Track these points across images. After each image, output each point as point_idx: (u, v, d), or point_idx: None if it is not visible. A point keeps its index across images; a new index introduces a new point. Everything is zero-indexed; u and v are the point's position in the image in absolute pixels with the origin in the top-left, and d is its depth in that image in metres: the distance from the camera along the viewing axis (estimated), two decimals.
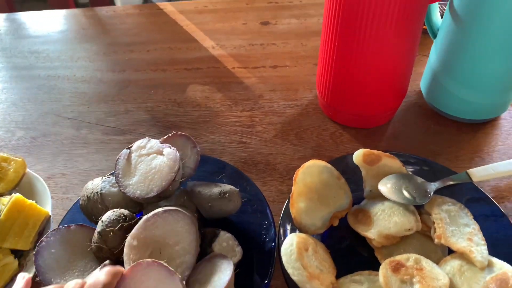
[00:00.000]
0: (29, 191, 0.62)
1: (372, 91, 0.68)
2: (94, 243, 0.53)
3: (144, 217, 0.51)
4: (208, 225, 0.57)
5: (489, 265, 0.50)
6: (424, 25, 0.70)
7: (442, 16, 0.71)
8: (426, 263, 0.51)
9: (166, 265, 0.46)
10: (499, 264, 0.50)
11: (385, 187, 0.58)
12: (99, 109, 0.84)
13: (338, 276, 0.53)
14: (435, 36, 0.71)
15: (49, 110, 0.85)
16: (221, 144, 0.74)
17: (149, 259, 0.46)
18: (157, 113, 0.82)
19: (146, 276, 0.46)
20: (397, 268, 0.51)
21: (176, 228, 0.51)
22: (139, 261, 0.46)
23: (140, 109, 0.83)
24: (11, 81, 0.94)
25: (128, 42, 1.02)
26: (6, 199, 0.60)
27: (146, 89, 0.87)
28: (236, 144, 0.74)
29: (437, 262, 0.52)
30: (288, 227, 0.57)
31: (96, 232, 0.53)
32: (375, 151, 0.61)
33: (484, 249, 0.52)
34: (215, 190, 0.58)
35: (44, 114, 0.84)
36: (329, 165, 0.61)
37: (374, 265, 0.54)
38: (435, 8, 0.71)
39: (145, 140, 0.60)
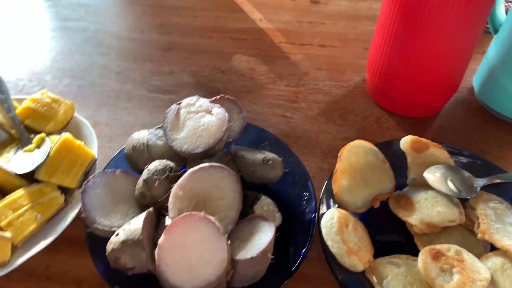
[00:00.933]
0: (76, 134, 0.63)
1: (425, 81, 0.67)
2: (138, 190, 0.54)
3: (191, 170, 0.52)
4: (249, 190, 0.57)
5: None
6: None
7: (506, 12, 0.69)
8: (468, 256, 0.50)
9: (218, 224, 0.47)
10: None
11: (432, 175, 0.57)
12: (144, 68, 0.84)
13: (375, 257, 0.53)
14: (496, 31, 0.70)
15: (96, 62, 0.86)
16: (263, 116, 0.74)
17: (201, 214, 0.47)
18: (201, 78, 0.82)
19: (196, 228, 0.46)
20: (437, 256, 0.50)
21: (221, 183, 0.52)
22: (193, 212, 0.47)
23: (184, 72, 0.83)
24: (60, 31, 0.95)
25: (176, 6, 1.02)
26: (55, 138, 0.61)
27: (191, 54, 0.87)
28: (278, 117, 0.74)
29: (478, 257, 0.51)
30: (328, 203, 0.57)
31: (141, 179, 0.54)
32: (424, 139, 0.60)
33: None
34: (259, 156, 0.58)
35: (91, 65, 0.85)
36: (375, 148, 0.61)
37: (411, 252, 0.53)
38: (501, 3, 0.69)
39: (194, 98, 0.60)
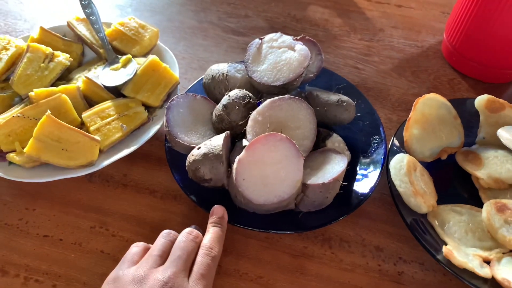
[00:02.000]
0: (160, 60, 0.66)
1: (504, 45, 0.66)
2: (216, 114, 0.57)
3: (271, 99, 0.54)
4: None
5: None
6: None
7: None
8: None
9: (297, 146, 0.49)
10: None
11: (507, 134, 0.57)
12: (221, 9, 0.87)
13: (438, 204, 0.54)
14: None
15: (175, 0, 0.89)
16: (335, 65, 0.75)
17: (284, 135, 0.49)
18: (275, 24, 0.83)
19: (276, 147, 0.49)
20: (502, 209, 0.51)
21: (298, 114, 0.54)
22: (274, 132, 0.49)
23: (259, 17, 0.85)
24: None
25: None
26: (140, 60, 0.65)
27: (268, 0, 0.89)
28: (350, 67, 0.75)
29: None
30: (397, 149, 0.58)
31: (221, 104, 0.57)
32: (500, 100, 0.60)
33: None
34: (333, 97, 0.59)
35: (171, 2, 0.88)
36: (448, 103, 0.61)
37: (474, 204, 0.54)
38: None
39: (278, 34, 0.62)
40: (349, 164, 0.56)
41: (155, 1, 0.88)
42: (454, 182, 0.59)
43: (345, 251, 0.52)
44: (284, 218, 0.51)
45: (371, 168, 0.56)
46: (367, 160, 0.57)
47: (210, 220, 0.49)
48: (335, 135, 0.57)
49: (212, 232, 0.48)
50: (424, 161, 0.58)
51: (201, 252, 0.45)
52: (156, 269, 0.43)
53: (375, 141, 0.59)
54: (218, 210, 0.50)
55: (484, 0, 0.64)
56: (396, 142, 0.59)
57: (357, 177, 0.56)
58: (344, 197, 0.53)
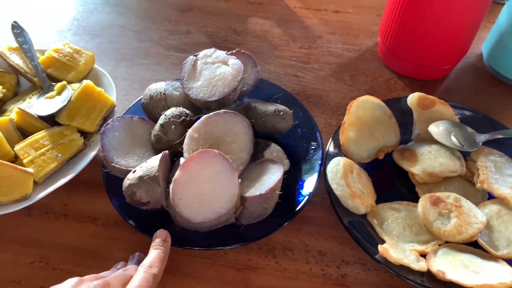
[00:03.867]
0: (96, 84, 0.65)
1: (435, 43, 0.68)
2: (154, 134, 0.57)
3: (206, 115, 0.55)
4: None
5: None
6: None
7: None
8: (465, 203, 0.53)
9: (230, 161, 0.50)
10: None
11: (436, 128, 0.59)
12: (162, 27, 0.87)
13: (377, 203, 0.55)
14: None
15: (115, 21, 0.88)
16: (276, 75, 0.76)
17: (216, 151, 0.50)
18: (216, 38, 0.84)
19: (210, 164, 0.49)
20: (436, 202, 0.53)
21: (234, 128, 0.54)
22: (207, 149, 0.50)
23: (201, 32, 0.85)
24: None
25: None
26: (76, 86, 0.64)
27: (208, 15, 0.89)
28: (290, 76, 0.76)
29: (476, 205, 0.54)
30: (335, 153, 0.59)
31: (158, 124, 0.57)
32: (430, 96, 0.62)
33: None
34: (271, 107, 0.60)
35: (110, 24, 0.87)
36: (382, 103, 0.63)
37: (412, 200, 0.56)
38: None
39: (211, 50, 0.62)
40: (289, 172, 0.57)
41: (94, 24, 0.88)
42: (393, 180, 0.60)
43: (289, 259, 0.52)
44: (226, 233, 0.51)
45: (310, 174, 0.57)
46: (306, 166, 0.58)
47: (152, 244, 0.49)
48: (273, 145, 0.58)
49: (152, 253, 0.47)
50: (362, 162, 0.59)
51: (140, 269, 0.45)
52: None
53: (313, 147, 0.60)
54: (160, 234, 0.49)
55: (410, 0, 0.66)
56: (333, 146, 0.60)
57: (297, 184, 0.57)
58: (284, 205, 0.53)
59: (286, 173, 0.56)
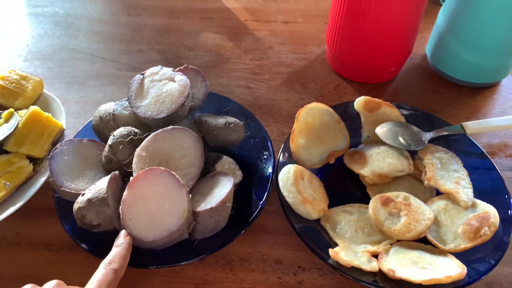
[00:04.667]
0: (45, 109, 0.64)
1: (377, 46, 0.70)
2: (104, 156, 0.57)
3: (153, 133, 0.55)
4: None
5: (473, 206, 0.54)
6: None
7: None
8: (414, 200, 0.54)
9: (178, 177, 0.50)
10: (483, 205, 0.53)
11: (382, 130, 0.61)
12: (114, 47, 0.86)
13: (330, 207, 0.56)
14: (444, 0, 0.74)
15: (65, 45, 0.87)
16: (229, 87, 0.77)
17: (162, 168, 0.50)
18: (169, 55, 0.84)
19: (157, 181, 0.49)
20: (386, 202, 0.54)
21: (182, 143, 0.55)
22: (154, 167, 0.50)
23: (152, 50, 0.86)
24: (30, 16, 0.96)
25: None
26: (23, 112, 0.63)
27: (160, 33, 0.90)
28: (243, 88, 0.77)
29: (425, 202, 0.55)
30: (286, 161, 0.60)
31: (107, 145, 0.56)
32: (376, 99, 0.64)
33: (469, 191, 0.55)
34: (221, 120, 0.61)
35: (61, 48, 0.87)
36: (330, 109, 0.64)
37: (365, 201, 0.57)
38: None
39: (158, 67, 0.62)
40: (242, 182, 0.57)
41: (44, 49, 0.87)
42: (345, 183, 0.62)
43: (246, 270, 0.53)
44: (181, 249, 0.51)
45: (263, 183, 0.57)
46: (260, 176, 0.59)
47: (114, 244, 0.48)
48: (225, 157, 0.58)
49: (112, 251, 0.47)
50: (314, 167, 0.60)
51: (100, 266, 0.45)
52: None
53: (265, 156, 0.60)
54: (120, 234, 0.49)
55: (349, 7, 0.68)
56: (284, 154, 0.60)
57: (251, 194, 0.57)
58: (239, 216, 0.54)
59: (239, 184, 0.56)
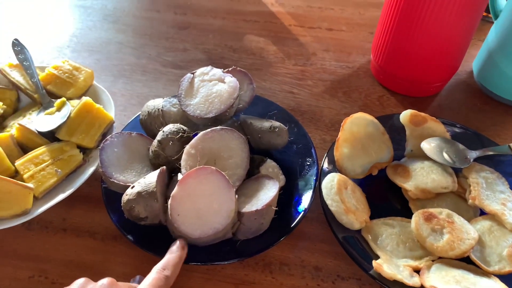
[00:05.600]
0: (95, 101, 0.66)
1: (425, 60, 0.70)
2: (152, 151, 0.58)
3: (203, 132, 0.56)
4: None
5: None
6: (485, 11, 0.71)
7: None
8: (458, 219, 0.54)
9: (227, 177, 0.51)
10: None
11: (428, 145, 0.61)
12: (159, 44, 0.88)
13: (371, 219, 0.57)
14: (496, 17, 0.73)
15: (113, 38, 0.90)
16: (271, 91, 0.78)
17: (213, 168, 0.51)
18: (213, 55, 0.86)
19: (207, 180, 0.50)
20: (429, 218, 0.54)
21: (230, 144, 0.56)
22: (204, 166, 0.51)
23: (197, 50, 0.87)
24: (80, 8, 0.99)
25: None
26: (75, 102, 0.65)
27: (205, 33, 0.91)
28: (285, 93, 0.77)
29: (468, 221, 0.55)
30: (330, 169, 0.61)
31: (156, 140, 0.58)
32: (422, 113, 0.63)
33: None
34: (266, 124, 0.61)
35: (108, 41, 0.89)
36: (375, 120, 0.64)
37: (406, 215, 0.57)
38: None
39: (208, 68, 0.64)
40: (284, 187, 0.58)
41: (92, 41, 0.89)
42: (387, 195, 0.61)
43: (285, 274, 0.53)
44: (223, 248, 0.52)
45: (305, 189, 0.58)
46: (302, 182, 0.59)
47: (169, 250, 0.49)
48: (269, 160, 0.59)
49: (167, 257, 0.48)
50: (356, 178, 0.61)
51: (153, 270, 0.45)
52: None
53: (308, 163, 0.61)
54: (179, 241, 0.50)
55: (401, 19, 0.68)
56: (328, 162, 0.61)
57: (293, 200, 0.58)
58: (281, 220, 0.54)
59: (281, 189, 0.57)
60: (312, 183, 0.58)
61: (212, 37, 0.90)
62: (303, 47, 0.87)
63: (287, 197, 0.58)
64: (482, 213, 0.57)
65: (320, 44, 0.88)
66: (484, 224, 0.54)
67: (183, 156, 0.54)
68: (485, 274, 0.50)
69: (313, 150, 0.62)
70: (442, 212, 0.55)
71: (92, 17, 0.96)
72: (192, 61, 0.84)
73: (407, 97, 0.76)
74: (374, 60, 0.77)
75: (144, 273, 0.46)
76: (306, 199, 0.56)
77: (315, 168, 0.60)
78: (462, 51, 0.72)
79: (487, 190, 0.57)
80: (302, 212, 0.55)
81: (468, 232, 0.52)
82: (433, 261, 0.52)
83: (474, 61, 0.79)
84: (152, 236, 0.53)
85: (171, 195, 0.50)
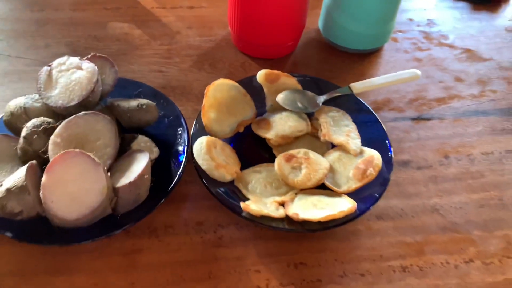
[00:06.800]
0: None
1: (273, 24, 0.78)
2: (19, 148, 0.58)
3: (66, 120, 0.57)
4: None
5: (361, 153, 0.63)
6: None
7: None
8: (313, 154, 0.62)
9: (93, 156, 0.53)
10: (368, 151, 0.63)
11: (282, 98, 0.68)
12: (19, 44, 0.85)
13: (242, 170, 0.63)
14: None
15: None
16: (141, 73, 0.80)
17: (77, 150, 0.52)
18: (77, 48, 0.85)
19: (74, 163, 0.52)
20: (289, 158, 0.61)
21: (96, 127, 0.58)
22: (68, 150, 0.52)
23: (60, 44, 0.86)
24: None
25: None
26: None
27: (66, 27, 0.90)
28: (155, 72, 0.80)
29: (322, 155, 0.64)
30: (200, 134, 0.65)
31: (21, 137, 0.58)
32: (275, 71, 0.71)
33: (358, 141, 0.64)
34: (133, 103, 0.64)
35: None
36: (236, 84, 0.70)
37: (273, 161, 0.64)
38: None
39: (64, 57, 0.64)
40: (160, 158, 0.62)
41: None
42: (255, 148, 0.68)
43: (170, 235, 0.58)
44: (106, 224, 0.55)
45: (179, 156, 0.62)
46: (176, 150, 0.63)
47: None
48: (140, 136, 0.62)
49: None
50: (226, 137, 0.66)
51: None
52: None
53: (179, 132, 0.65)
54: None
55: None
56: (198, 128, 0.66)
57: (170, 168, 0.62)
58: (160, 188, 0.58)
59: (157, 160, 0.61)
60: (184, 148, 0.62)
61: (74, 30, 0.89)
62: (167, 27, 0.90)
63: (165, 167, 0.61)
64: (334, 147, 0.66)
65: (183, 23, 0.91)
66: (334, 154, 0.63)
67: (49, 147, 0.55)
68: (337, 194, 0.59)
69: (182, 120, 0.66)
70: (300, 152, 0.62)
71: None
72: (55, 56, 0.81)
73: (267, 60, 0.83)
74: (232, 30, 0.83)
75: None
76: (179, 164, 0.60)
77: (186, 135, 0.64)
78: (303, 10, 0.80)
79: (334, 126, 0.66)
80: (178, 175, 0.59)
81: (321, 164, 0.61)
82: (296, 194, 0.60)
83: (319, 19, 0.89)
84: (32, 228, 0.54)
85: (41, 184, 0.51)
